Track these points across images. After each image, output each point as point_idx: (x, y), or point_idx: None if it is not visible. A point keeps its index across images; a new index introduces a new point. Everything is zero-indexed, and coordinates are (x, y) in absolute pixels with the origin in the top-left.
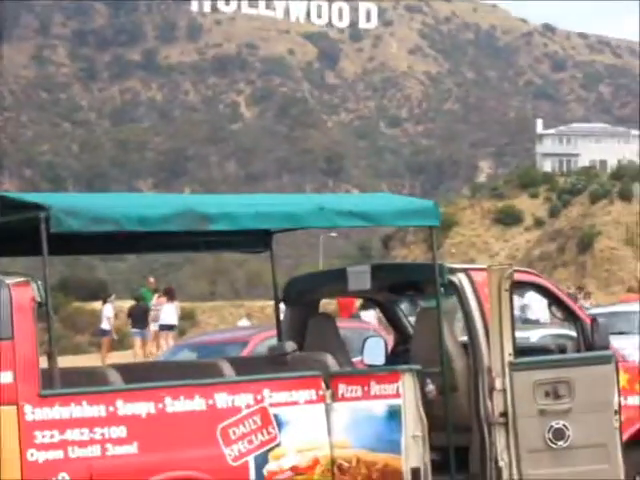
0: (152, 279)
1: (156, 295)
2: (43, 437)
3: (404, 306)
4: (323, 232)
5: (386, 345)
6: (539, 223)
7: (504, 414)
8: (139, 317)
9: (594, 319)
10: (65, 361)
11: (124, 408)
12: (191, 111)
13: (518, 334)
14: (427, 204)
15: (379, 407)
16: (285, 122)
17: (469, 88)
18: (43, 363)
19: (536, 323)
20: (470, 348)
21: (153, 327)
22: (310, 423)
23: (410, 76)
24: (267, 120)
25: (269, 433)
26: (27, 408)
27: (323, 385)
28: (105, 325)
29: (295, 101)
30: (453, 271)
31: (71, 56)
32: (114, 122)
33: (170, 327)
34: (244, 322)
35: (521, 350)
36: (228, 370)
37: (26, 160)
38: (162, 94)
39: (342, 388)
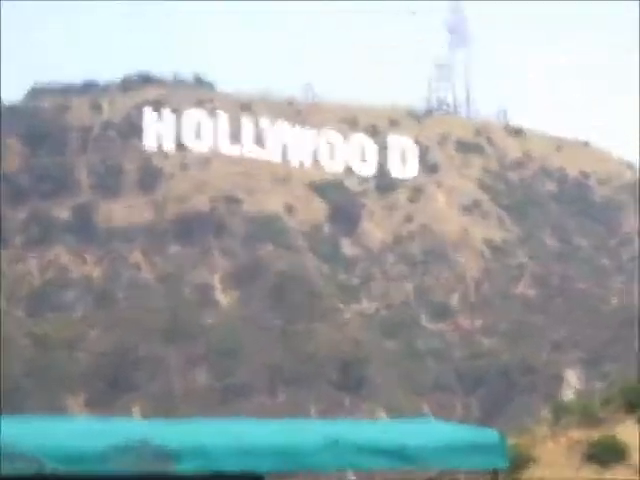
0: None
1: None
2: None
3: None
4: (337, 474)
5: None
6: None
7: None
8: None
9: None
10: None
11: None
12: (143, 294)
13: None
14: (490, 437)
15: None
16: (280, 312)
17: (550, 263)
18: None
19: None
20: None
21: None
22: None
23: (464, 245)
24: (253, 309)
25: None
26: None
27: None
28: None
29: (295, 281)
30: None
31: None
32: (30, 310)
33: None
34: None
35: None
36: None
37: None
38: (101, 270)
39: None
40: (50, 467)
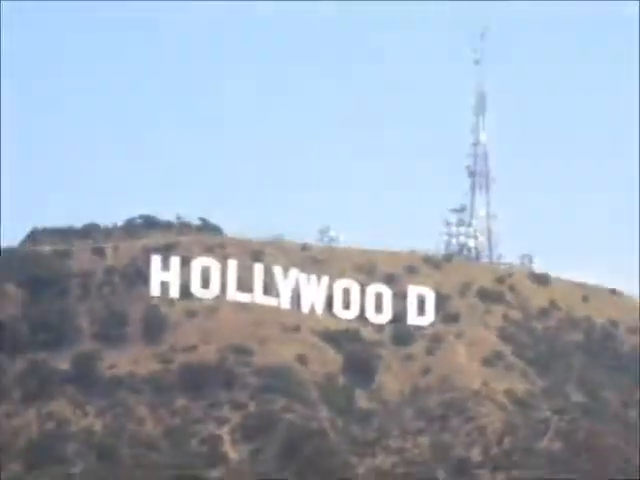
0: None
1: None
2: None
3: None
4: None
5: None
6: None
7: None
8: None
9: None
10: None
11: None
12: (147, 450)
13: None
14: None
15: None
16: (292, 468)
17: (576, 417)
18: None
19: None
20: None
21: None
22: None
23: (485, 398)
24: (264, 464)
25: None
26: None
27: None
28: None
29: (308, 435)
30: None
31: None
32: (29, 465)
33: None
34: None
35: None
36: None
37: None
38: (103, 423)
39: None
40: None
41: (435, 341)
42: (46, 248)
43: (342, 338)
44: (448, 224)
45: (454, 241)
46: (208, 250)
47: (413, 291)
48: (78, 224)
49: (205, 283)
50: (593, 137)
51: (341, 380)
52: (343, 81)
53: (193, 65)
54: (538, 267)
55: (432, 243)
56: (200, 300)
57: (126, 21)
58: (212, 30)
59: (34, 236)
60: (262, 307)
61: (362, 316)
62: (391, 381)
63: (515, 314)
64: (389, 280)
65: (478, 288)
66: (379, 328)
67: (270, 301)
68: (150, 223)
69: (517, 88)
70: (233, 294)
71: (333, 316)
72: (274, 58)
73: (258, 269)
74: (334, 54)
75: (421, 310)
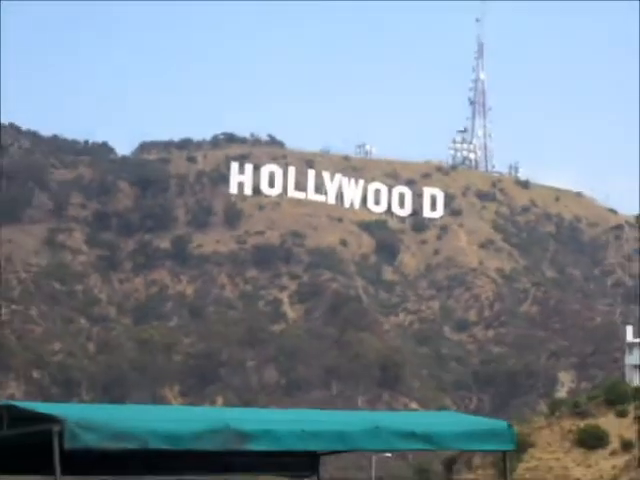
0: None
1: None
2: None
3: None
4: (377, 453)
5: None
6: (628, 446)
7: None
8: None
9: None
10: None
11: None
12: (226, 308)
13: None
14: (501, 426)
15: None
16: (335, 323)
17: (548, 288)
18: None
19: None
20: None
21: None
22: None
23: (480, 273)
24: (314, 321)
25: None
26: None
27: None
28: None
29: (347, 299)
30: None
31: (89, 242)
32: (137, 319)
33: None
34: None
35: None
36: None
37: (35, 360)
38: (193, 288)
39: None
40: (152, 444)
41: (443, 230)
42: (152, 156)
43: (374, 227)
44: (454, 142)
45: (459, 154)
46: (273, 159)
47: (427, 192)
48: (176, 138)
49: (271, 184)
50: (574, 78)
51: (372, 258)
52: (370, 24)
53: None
54: (522, 174)
55: (442, 155)
56: (267, 197)
57: None
58: None
59: (143, 147)
60: (314, 203)
61: (389, 210)
62: (410, 259)
63: (504, 210)
64: (409, 183)
65: (476, 190)
66: (401, 219)
67: (320, 198)
68: (230, 138)
69: (512, 38)
70: (292, 192)
71: (367, 210)
72: None
73: (311, 174)
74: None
75: (433, 206)
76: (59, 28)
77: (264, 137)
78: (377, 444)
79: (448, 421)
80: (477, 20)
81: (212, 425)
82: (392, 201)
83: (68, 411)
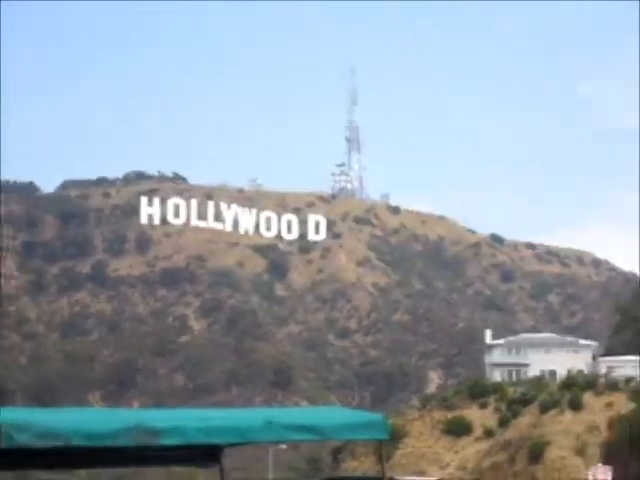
0: None
1: None
2: None
3: None
4: (272, 445)
5: None
6: (489, 433)
7: None
8: None
9: None
10: None
11: None
12: (140, 323)
13: None
14: (376, 418)
15: None
16: (234, 334)
17: (418, 299)
18: None
19: None
20: None
21: None
22: None
23: (359, 287)
24: (216, 332)
25: None
26: None
27: None
28: None
29: (244, 313)
30: None
31: (20, 268)
32: (63, 334)
33: None
34: None
35: None
36: None
37: None
38: (111, 306)
39: None
40: (75, 441)
41: (326, 250)
42: (73, 192)
43: (266, 250)
44: (333, 174)
45: (337, 185)
46: (178, 193)
47: (312, 218)
48: (93, 176)
49: (176, 214)
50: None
51: (265, 277)
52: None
53: None
54: (392, 201)
55: (324, 186)
56: (173, 226)
57: None
58: None
59: (65, 185)
60: (213, 230)
61: (279, 235)
62: (298, 277)
63: (378, 232)
64: (296, 211)
65: (354, 216)
66: (290, 243)
67: (219, 226)
68: (140, 175)
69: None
70: (194, 221)
71: (260, 235)
72: None
73: (210, 205)
74: None
75: (317, 230)
76: None
77: (169, 174)
78: (271, 436)
79: (332, 415)
80: (351, 71)
81: (127, 424)
82: (281, 227)
83: (3, 414)
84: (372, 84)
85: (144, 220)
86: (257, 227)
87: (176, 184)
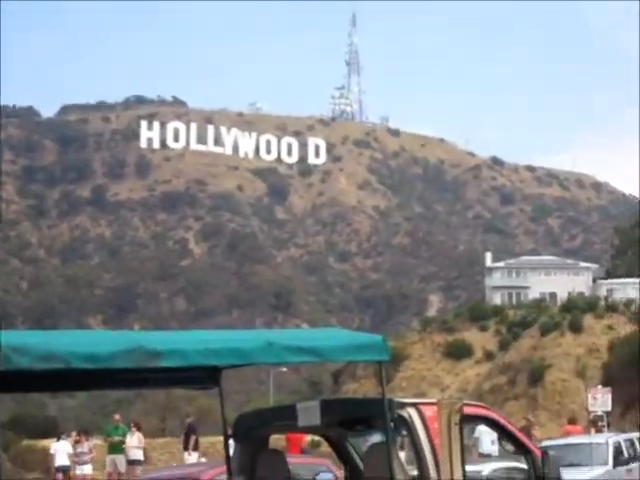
0: (117, 416)
1: (132, 427)
2: None
3: (355, 441)
4: (273, 367)
5: None
6: (489, 356)
7: None
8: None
9: (545, 452)
10: None
11: None
12: (140, 247)
13: (469, 467)
14: (376, 339)
15: None
16: (234, 258)
17: (418, 222)
18: None
19: (488, 456)
20: None
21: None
22: None
23: (359, 211)
24: (216, 256)
25: None
26: None
27: None
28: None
29: (244, 237)
30: (403, 406)
31: (20, 193)
32: (63, 259)
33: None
34: (193, 458)
35: None
36: None
37: None
38: (111, 231)
39: None
40: (75, 364)
41: (326, 174)
42: (72, 117)
43: (266, 173)
44: (333, 97)
45: (337, 108)
46: (177, 117)
47: (312, 142)
48: (92, 100)
49: (176, 139)
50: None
51: (265, 201)
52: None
53: None
54: (392, 124)
55: (323, 110)
56: (173, 150)
57: None
58: None
59: (64, 109)
60: (213, 154)
61: (279, 159)
62: (298, 201)
63: (378, 155)
64: (296, 134)
65: (353, 139)
66: (290, 166)
67: (218, 150)
68: (140, 99)
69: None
70: (194, 145)
71: (260, 159)
72: None
73: (210, 129)
74: None
75: (317, 154)
76: None
77: (169, 98)
78: (270, 358)
79: (331, 336)
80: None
81: (127, 346)
82: (281, 150)
83: (1, 337)
84: (372, 5)
85: (144, 144)
86: (257, 151)
87: (176, 108)
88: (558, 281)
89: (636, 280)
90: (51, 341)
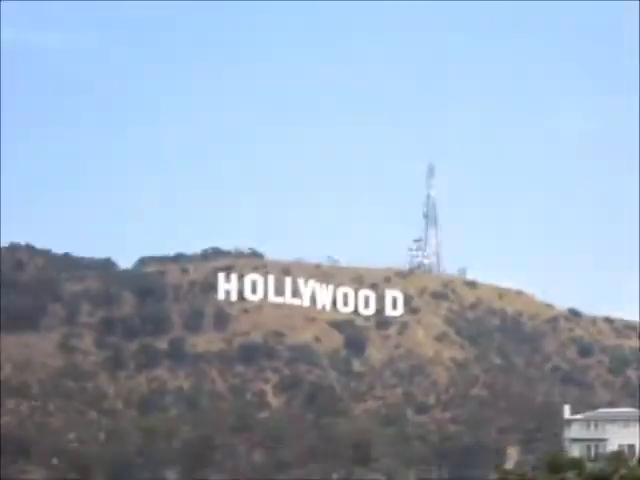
0: None
1: None
2: None
3: None
4: None
5: None
6: None
7: None
8: None
9: None
10: None
11: None
12: (218, 399)
13: None
14: None
15: None
16: (312, 410)
17: (496, 374)
18: None
19: None
20: None
21: None
22: None
23: (437, 363)
24: (294, 408)
25: None
26: None
27: None
28: None
29: (322, 389)
30: None
31: (98, 344)
32: (141, 410)
33: None
34: None
35: None
36: None
37: (53, 449)
38: (189, 383)
39: None
40: None
41: (403, 326)
42: (150, 269)
43: (343, 325)
44: (410, 249)
45: (414, 260)
46: (255, 269)
47: (389, 294)
48: (170, 252)
49: (254, 290)
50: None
51: (343, 353)
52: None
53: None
54: (469, 276)
55: (400, 261)
56: (250, 302)
57: None
58: None
59: (142, 261)
60: (291, 306)
61: (356, 311)
62: (375, 353)
63: (455, 307)
64: (373, 286)
65: (431, 291)
66: (367, 318)
67: (296, 302)
68: (217, 251)
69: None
70: (272, 297)
71: (337, 311)
72: None
73: (288, 281)
74: None
75: (394, 306)
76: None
77: (246, 250)
78: None
79: None
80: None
81: None
82: (358, 302)
83: None
84: (448, 155)
85: (222, 296)
86: (334, 303)
87: (253, 260)
88: (637, 433)
89: None
90: None
